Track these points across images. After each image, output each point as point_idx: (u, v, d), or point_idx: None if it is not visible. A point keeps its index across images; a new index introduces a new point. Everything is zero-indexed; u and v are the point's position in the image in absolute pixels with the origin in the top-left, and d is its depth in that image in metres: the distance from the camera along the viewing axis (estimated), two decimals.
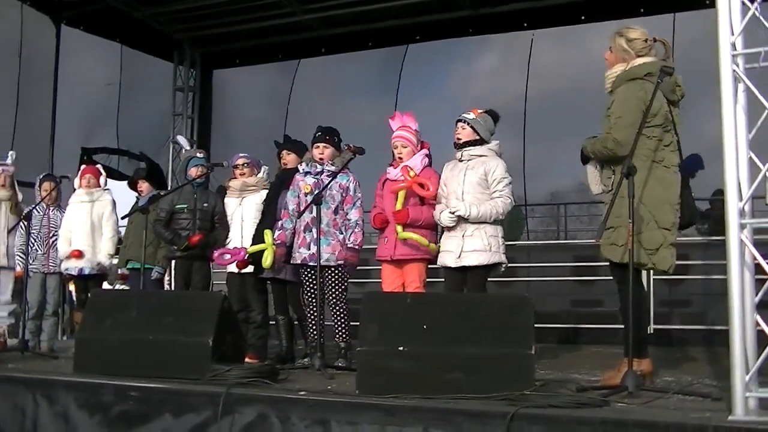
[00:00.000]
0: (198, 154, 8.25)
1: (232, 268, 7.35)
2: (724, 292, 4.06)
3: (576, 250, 13.43)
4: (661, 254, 5.23)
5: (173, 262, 8.20)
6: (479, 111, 6.66)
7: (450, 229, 6.46)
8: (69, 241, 8.51)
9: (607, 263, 5.50)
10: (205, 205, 7.77)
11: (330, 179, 6.76)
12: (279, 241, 6.97)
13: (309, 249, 6.77)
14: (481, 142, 6.55)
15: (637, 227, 5.03)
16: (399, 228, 6.58)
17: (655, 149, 5.25)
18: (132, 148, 14.09)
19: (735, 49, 4.15)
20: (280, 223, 7.07)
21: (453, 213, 6.37)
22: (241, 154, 7.86)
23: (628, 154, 5.04)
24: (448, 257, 6.44)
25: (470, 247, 6.34)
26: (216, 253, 7.39)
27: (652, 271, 5.57)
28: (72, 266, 8.50)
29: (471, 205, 6.33)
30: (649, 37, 5.50)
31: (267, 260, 7.04)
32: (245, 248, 7.29)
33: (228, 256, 7.29)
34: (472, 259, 6.33)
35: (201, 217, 7.74)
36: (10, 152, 9.02)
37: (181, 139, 8.59)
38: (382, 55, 13.19)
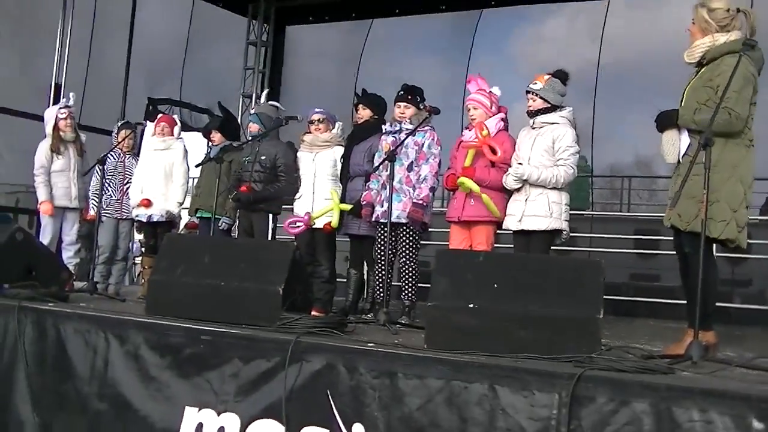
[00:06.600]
0: (251, 110, 8.28)
1: None
2: None
3: (638, 223, 13.36)
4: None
5: (239, 212, 8.32)
6: (545, 76, 6.58)
7: (516, 192, 6.51)
8: (141, 189, 8.59)
9: (670, 238, 5.47)
10: (263, 157, 7.78)
11: (406, 137, 6.80)
12: (365, 201, 7.06)
13: (382, 206, 6.82)
14: (553, 108, 6.53)
15: (733, 203, 5.05)
16: (462, 178, 6.60)
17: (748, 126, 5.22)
18: (195, 101, 14.23)
19: None
20: (368, 183, 7.16)
21: (515, 175, 6.42)
22: (317, 109, 7.83)
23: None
24: (511, 220, 6.52)
25: (531, 212, 6.38)
26: (285, 223, 7.51)
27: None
28: (142, 213, 8.60)
29: (533, 169, 6.36)
30: (731, 7, 5.35)
31: (334, 220, 7.19)
32: (309, 213, 7.42)
33: (297, 224, 7.46)
34: (532, 223, 6.38)
35: (258, 169, 7.78)
36: (71, 93, 9.15)
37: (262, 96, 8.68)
38: (455, 17, 13.09)
